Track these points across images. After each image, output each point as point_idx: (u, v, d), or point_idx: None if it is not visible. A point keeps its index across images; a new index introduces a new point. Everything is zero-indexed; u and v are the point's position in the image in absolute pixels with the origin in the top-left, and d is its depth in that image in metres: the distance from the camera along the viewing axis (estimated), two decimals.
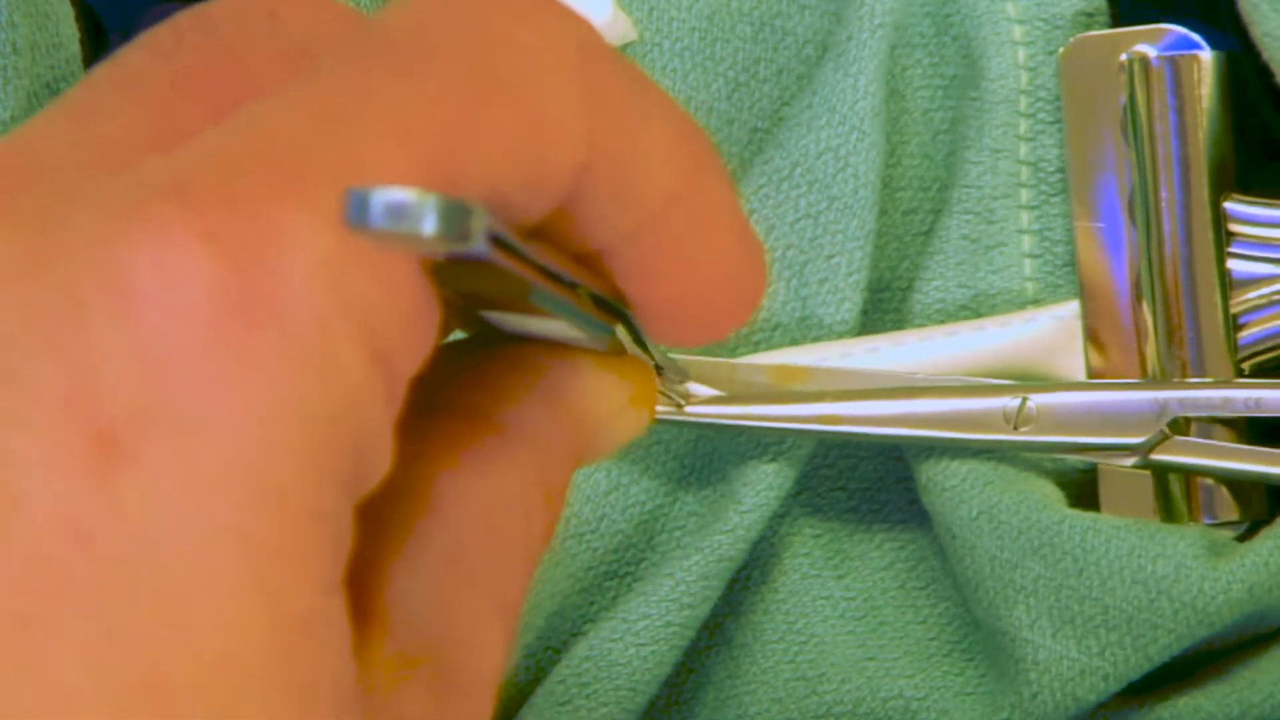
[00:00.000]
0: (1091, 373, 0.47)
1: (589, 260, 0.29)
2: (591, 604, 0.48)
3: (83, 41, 0.46)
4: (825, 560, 0.49)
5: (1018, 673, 0.45)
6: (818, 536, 0.49)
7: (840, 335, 0.47)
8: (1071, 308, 0.47)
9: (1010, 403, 0.46)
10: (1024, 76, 0.47)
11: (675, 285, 0.29)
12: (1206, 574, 0.44)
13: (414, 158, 0.25)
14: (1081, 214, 0.47)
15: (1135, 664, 0.44)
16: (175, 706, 0.24)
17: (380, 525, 0.28)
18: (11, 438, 0.24)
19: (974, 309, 0.47)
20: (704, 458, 0.48)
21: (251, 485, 0.25)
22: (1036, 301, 0.47)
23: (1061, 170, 0.47)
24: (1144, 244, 0.47)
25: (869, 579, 0.49)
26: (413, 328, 0.26)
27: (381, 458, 0.26)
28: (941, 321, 0.47)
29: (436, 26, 0.27)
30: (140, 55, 0.28)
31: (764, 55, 0.49)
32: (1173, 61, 0.46)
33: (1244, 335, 0.46)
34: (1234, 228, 0.46)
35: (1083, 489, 0.48)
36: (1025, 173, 0.48)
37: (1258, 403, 0.45)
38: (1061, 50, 0.47)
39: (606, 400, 0.31)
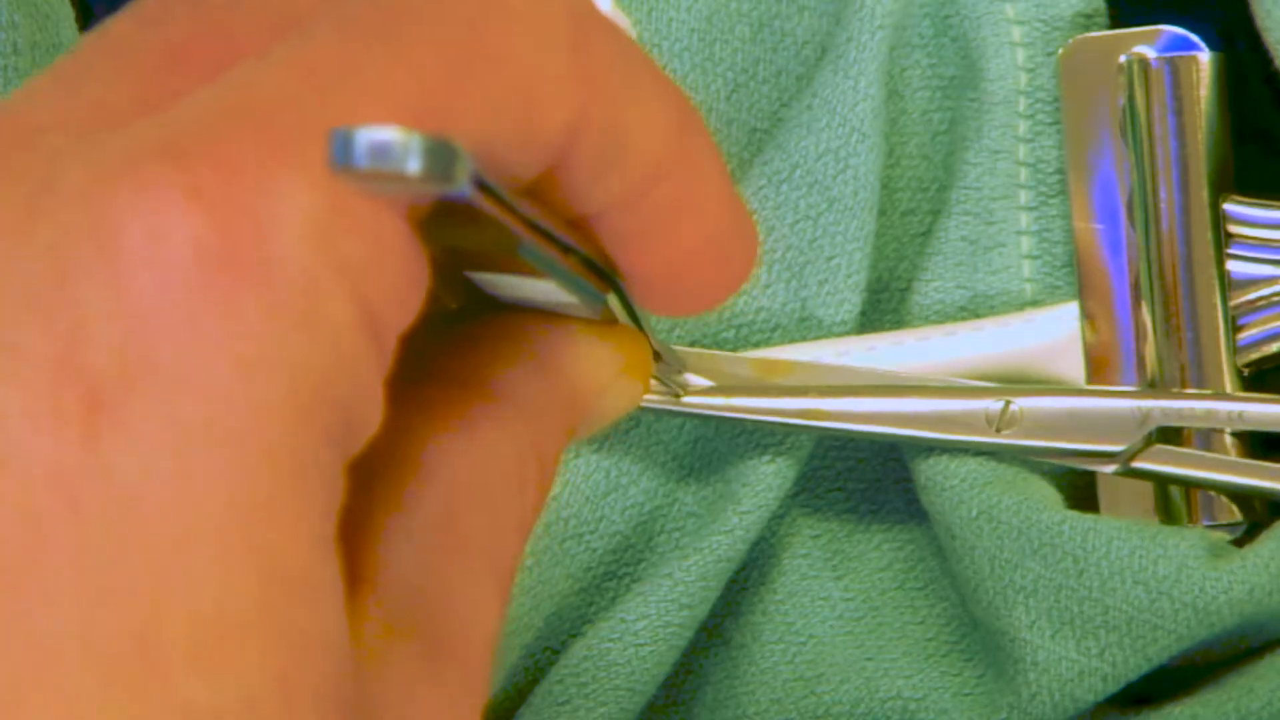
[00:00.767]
0: (1090, 374, 0.47)
1: (581, 227, 0.29)
2: (590, 605, 0.48)
3: None
4: (824, 561, 0.48)
5: (1016, 673, 0.44)
6: (816, 537, 0.48)
7: (839, 336, 0.47)
8: (1070, 309, 0.46)
9: (994, 405, 0.45)
10: (1023, 78, 0.47)
11: (666, 252, 0.29)
12: (1208, 574, 0.43)
13: (401, 116, 0.25)
14: (1081, 215, 0.47)
15: (1135, 665, 0.43)
16: (165, 664, 0.24)
17: (371, 490, 0.28)
18: None
19: (972, 310, 0.47)
20: (703, 459, 0.48)
21: (240, 441, 0.24)
22: (1035, 302, 0.47)
23: (1060, 171, 0.47)
24: (1143, 245, 0.46)
25: (867, 580, 0.48)
26: (401, 285, 0.26)
27: (371, 415, 0.26)
28: (940, 323, 0.47)
29: None
30: (128, 25, 0.28)
31: (763, 56, 0.48)
32: (1172, 63, 0.46)
33: (1243, 336, 0.45)
34: (1233, 229, 0.45)
35: (1081, 492, 0.47)
36: (1024, 174, 0.47)
37: (1240, 416, 0.44)
38: (1061, 51, 0.46)
39: (600, 368, 0.31)
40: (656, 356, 0.39)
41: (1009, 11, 0.47)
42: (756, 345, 0.47)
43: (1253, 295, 0.45)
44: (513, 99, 0.26)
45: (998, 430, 0.45)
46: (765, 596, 0.48)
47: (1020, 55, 0.47)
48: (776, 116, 0.48)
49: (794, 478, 0.47)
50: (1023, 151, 0.47)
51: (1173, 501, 0.46)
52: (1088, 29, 0.47)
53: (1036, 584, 0.44)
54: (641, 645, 0.46)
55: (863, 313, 0.47)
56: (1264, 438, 0.46)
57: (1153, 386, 0.46)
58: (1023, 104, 0.47)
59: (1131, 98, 0.46)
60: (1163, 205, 0.46)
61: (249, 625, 0.24)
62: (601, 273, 0.30)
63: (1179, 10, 0.46)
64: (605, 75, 0.27)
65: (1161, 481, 0.45)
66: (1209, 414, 0.44)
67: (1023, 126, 0.47)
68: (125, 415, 0.24)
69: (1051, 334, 0.46)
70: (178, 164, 0.24)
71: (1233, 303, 0.46)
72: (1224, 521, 0.46)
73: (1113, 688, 0.44)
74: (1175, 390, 0.46)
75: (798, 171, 0.47)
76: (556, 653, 0.47)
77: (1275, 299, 0.45)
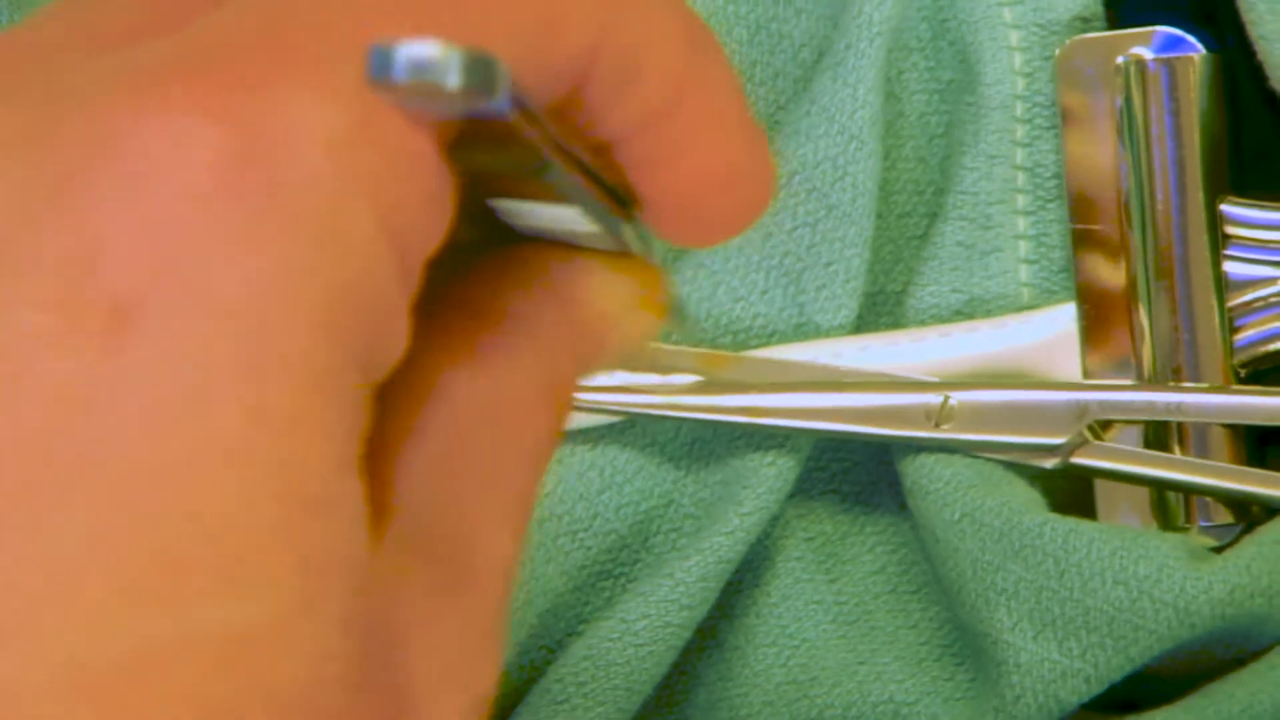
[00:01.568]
0: (1086, 375, 0.46)
1: (602, 153, 0.28)
2: (586, 603, 0.47)
3: None
4: (817, 564, 0.48)
5: (1000, 675, 0.44)
6: (810, 540, 0.48)
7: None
8: (1067, 310, 0.46)
9: (933, 399, 0.45)
10: (1020, 82, 0.46)
11: (685, 176, 0.29)
12: (1189, 574, 0.42)
13: (428, 32, 0.24)
14: (1078, 216, 0.46)
15: (1117, 666, 0.43)
16: (184, 581, 0.23)
17: (386, 418, 0.27)
18: (15, 306, 0.24)
19: (969, 314, 0.46)
20: (700, 459, 0.47)
21: (261, 355, 0.24)
22: (1032, 307, 0.46)
23: (1058, 176, 0.46)
24: (1140, 246, 0.45)
25: (861, 583, 0.48)
26: (426, 206, 0.25)
27: (396, 338, 0.26)
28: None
29: None
30: None
31: (760, 58, 0.48)
32: (1168, 64, 0.45)
33: (1240, 337, 0.45)
34: (1230, 230, 0.45)
35: (1078, 497, 0.46)
36: (1021, 178, 0.47)
37: (1178, 407, 0.44)
38: (1057, 52, 0.46)
39: (614, 299, 0.30)
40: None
41: (1007, 16, 0.46)
42: (754, 349, 0.46)
43: (1250, 296, 0.45)
44: (537, 18, 0.26)
45: (937, 425, 0.45)
46: (759, 599, 0.47)
47: (1018, 59, 0.46)
48: (774, 119, 0.48)
49: (794, 479, 0.46)
50: (1020, 156, 0.47)
51: (1170, 505, 0.46)
52: (1085, 32, 0.46)
53: (1018, 586, 0.43)
54: (641, 645, 0.45)
55: (859, 316, 0.46)
56: (1260, 433, 0.45)
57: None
58: (1020, 108, 0.46)
59: (1128, 99, 0.45)
60: (1159, 206, 0.45)
61: (270, 544, 0.24)
62: (621, 200, 0.29)
63: (1175, 12, 0.46)
64: None
65: (1100, 478, 0.45)
66: (1148, 406, 0.44)
67: (1020, 131, 0.46)
68: (144, 328, 0.23)
69: (1048, 335, 0.46)
70: (198, 80, 0.24)
71: (1230, 304, 0.45)
72: (1219, 523, 0.45)
73: (1096, 689, 0.43)
74: (1113, 383, 0.45)
75: (796, 178, 0.46)
76: (552, 651, 0.47)
77: (1272, 300, 0.45)
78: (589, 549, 0.46)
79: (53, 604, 0.23)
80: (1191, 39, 0.45)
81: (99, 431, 0.23)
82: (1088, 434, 0.44)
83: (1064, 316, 0.46)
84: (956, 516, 0.44)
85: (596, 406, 0.45)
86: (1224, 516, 0.45)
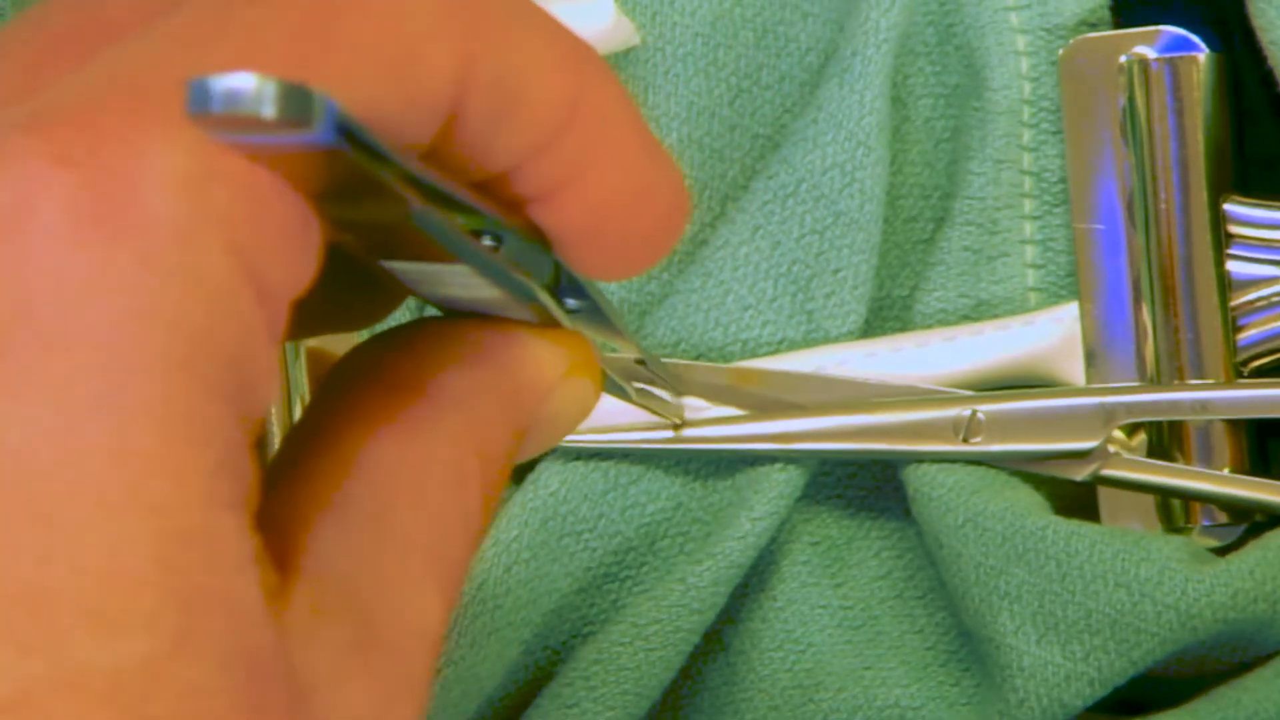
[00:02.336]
0: (1090, 376, 0.45)
1: (504, 196, 0.28)
2: (591, 605, 0.46)
3: None
4: (823, 568, 0.47)
5: (1004, 679, 0.43)
6: (816, 544, 0.47)
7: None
8: (1070, 310, 0.45)
9: (961, 413, 0.44)
10: (1027, 87, 0.46)
11: (587, 201, 0.28)
12: (1190, 577, 0.41)
13: (271, 71, 0.24)
14: (1081, 216, 0.45)
15: (1120, 669, 0.42)
16: (57, 622, 0.23)
17: (305, 489, 0.27)
18: None
19: (976, 319, 0.45)
20: (707, 463, 0.46)
21: (119, 394, 0.24)
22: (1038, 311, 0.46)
23: (1064, 180, 0.46)
24: (1143, 245, 0.45)
25: (866, 588, 0.47)
26: (284, 241, 0.25)
27: (263, 374, 0.25)
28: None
29: None
30: (14, 28, 0.28)
31: (766, 62, 0.47)
32: (1172, 63, 0.44)
33: (1243, 336, 0.44)
34: (1233, 229, 0.44)
35: (1080, 500, 0.46)
36: (1028, 183, 0.46)
37: (1204, 405, 0.43)
38: (1061, 52, 0.45)
39: (542, 368, 0.30)
40: (640, 361, 0.38)
41: (1013, 20, 0.46)
42: (763, 358, 0.46)
43: (1253, 295, 0.44)
44: (390, 51, 0.25)
45: (965, 439, 0.44)
46: (764, 603, 0.47)
47: (1024, 64, 0.46)
48: (780, 122, 0.48)
49: (804, 484, 0.45)
50: (1027, 160, 0.46)
51: (1173, 505, 0.45)
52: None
53: (1021, 589, 0.43)
54: (651, 650, 0.45)
55: (865, 321, 0.46)
56: (1261, 431, 0.45)
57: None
58: (1027, 113, 0.46)
59: (1132, 98, 0.45)
60: (1163, 205, 0.44)
61: (142, 582, 0.24)
62: (529, 240, 0.28)
63: (1179, 11, 0.45)
64: (489, 22, 0.27)
65: (1132, 490, 0.44)
66: (1173, 405, 0.44)
67: (1027, 135, 0.46)
68: (2, 374, 0.24)
69: (1052, 336, 0.45)
70: (43, 134, 0.24)
71: (1233, 303, 0.44)
72: (1222, 523, 0.45)
73: (1100, 692, 0.42)
74: (1137, 385, 0.44)
75: (804, 185, 0.46)
76: (558, 652, 0.46)
77: (1275, 299, 0.44)
78: (593, 550, 0.46)
79: None
80: (1195, 39, 0.45)
81: None
82: (1117, 443, 0.44)
83: (1068, 316, 0.45)
84: (960, 521, 0.44)
85: (610, 445, 0.45)
86: (1226, 516, 0.44)
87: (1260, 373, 0.44)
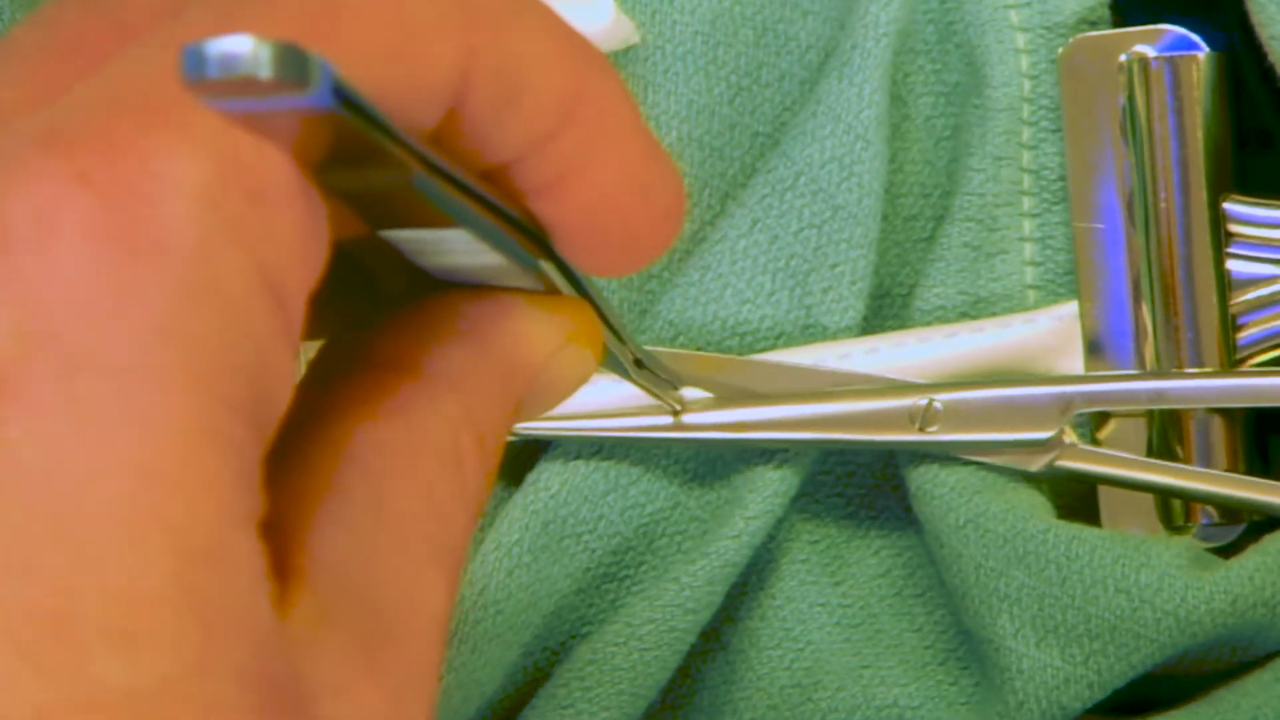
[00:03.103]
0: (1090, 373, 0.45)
1: (505, 188, 0.28)
2: (590, 606, 0.46)
3: None
4: (822, 567, 0.47)
5: (1003, 681, 0.42)
6: (815, 543, 0.47)
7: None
8: (1070, 308, 0.44)
9: (916, 402, 0.44)
10: (1027, 84, 0.45)
11: (586, 196, 0.28)
12: (1190, 583, 0.41)
13: None
14: (1081, 215, 0.45)
15: (1119, 672, 0.41)
16: (80, 643, 0.23)
17: (302, 482, 0.27)
18: None
19: (974, 316, 0.45)
20: (705, 462, 0.45)
21: (141, 413, 0.24)
22: (1037, 309, 0.46)
23: (1063, 178, 0.45)
24: (1143, 244, 0.44)
25: (865, 586, 0.47)
26: (298, 238, 0.25)
27: (281, 383, 0.25)
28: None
29: None
30: (26, 30, 0.28)
31: (766, 60, 0.47)
32: (1172, 62, 0.44)
33: (1243, 335, 0.43)
34: (1233, 228, 0.43)
35: (1080, 501, 0.45)
36: (1027, 180, 0.46)
37: (1160, 394, 0.43)
38: (1060, 51, 0.45)
39: (539, 339, 0.29)
40: (638, 364, 0.37)
41: (1013, 18, 0.45)
42: (761, 352, 0.46)
43: (1252, 295, 0.44)
44: (394, 40, 0.25)
45: (921, 428, 0.44)
46: (763, 602, 0.46)
47: (1024, 62, 0.46)
48: (780, 121, 0.47)
49: (799, 482, 0.45)
50: (1026, 158, 0.46)
51: (1173, 505, 0.44)
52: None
53: (1021, 592, 0.42)
54: (646, 650, 0.44)
55: (865, 318, 0.45)
56: (1259, 425, 0.45)
57: None
58: (1026, 110, 0.45)
59: (1131, 97, 0.44)
60: (1162, 204, 0.44)
61: (163, 602, 0.23)
62: (528, 233, 0.28)
63: (1179, 10, 0.45)
64: (492, 15, 0.26)
65: (1085, 481, 0.44)
66: (1129, 395, 0.43)
67: (1026, 133, 0.46)
68: (25, 394, 0.23)
69: (1052, 334, 0.45)
70: (61, 150, 0.24)
71: (1232, 302, 0.43)
72: (1223, 521, 0.44)
73: (1099, 695, 0.42)
74: (1095, 374, 0.44)
75: (802, 179, 0.45)
76: (556, 653, 0.46)
77: (1275, 298, 0.43)
78: (593, 551, 0.46)
79: None
80: (1195, 38, 0.44)
81: None
82: (1074, 436, 0.44)
83: (1068, 314, 0.45)
84: (961, 522, 0.43)
85: (570, 432, 0.45)
86: (1228, 516, 0.44)
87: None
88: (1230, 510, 0.44)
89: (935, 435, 0.43)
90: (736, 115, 0.47)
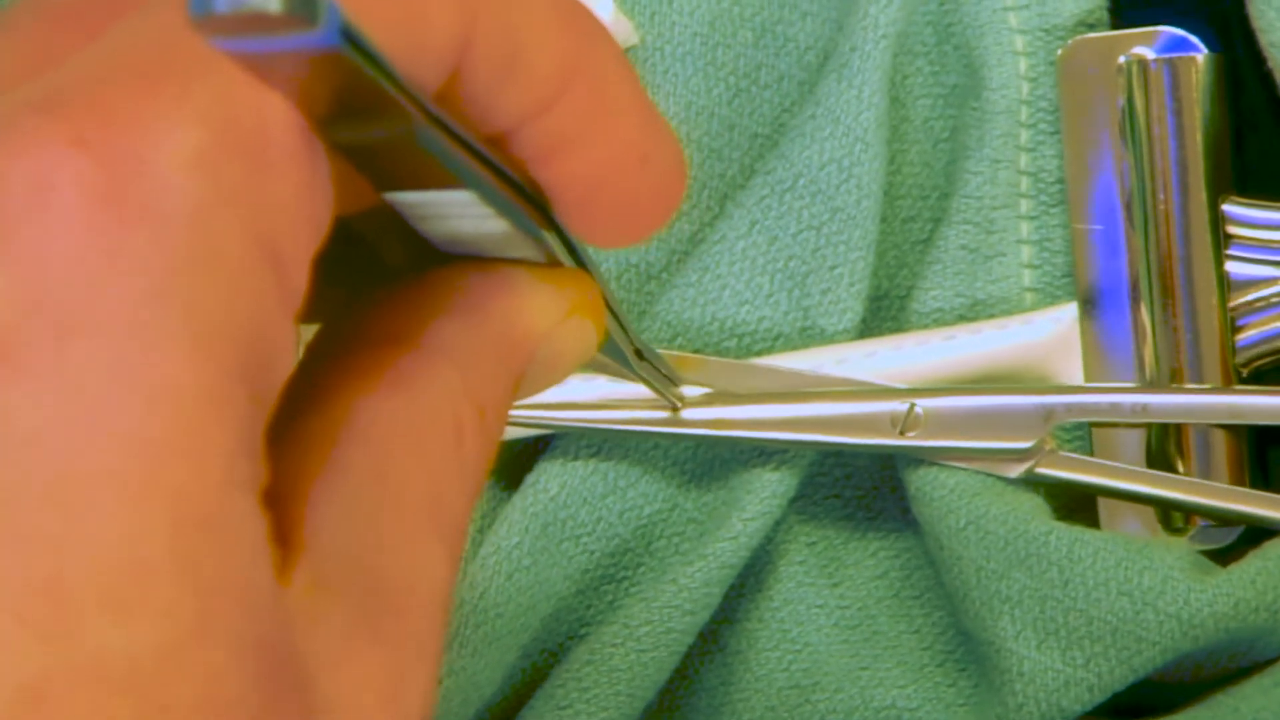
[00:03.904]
0: (1089, 376, 0.45)
1: (506, 156, 0.27)
2: (588, 607, 0.45)
3: None
4: (820, 568, 0.46)
5: (1003, 684, 0.42)
6: (813, 544, 0.47)
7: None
8: (1069, 311, 0.44)
9: (898, 407, 0.43)
10: (1025, 87, 0.45)
11: (585, 165, 0.27)
12: (1193, 587, 0.40)
13: None
14: (1080, 217, 0.44)
15: (1120, 676, 0.41)
16: (76, 609, 0.23)
17: (302, 456, 0.26)
18: None
19: (972, 319, 0.44)
20: (704, 464, 0.45)
21: (140, 382, 0.23)
22: (1035, 311, 0.45)
23: (1061, 181, 0.44)
24: (1142, 246, 0.43)
25: (863, 587, 0.46)
26: (300, 210, 0.25)
27: (280, 350, 0.25)
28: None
29: None
30: (21, 3, 0.27)
31: (765, 61, 0.47)
32: (1171, 64, 0.43)
33: (1242, 337, 0.43)
34: (1232, 230, 0.43)
35: (1079, 501, 0.45)
36: (1025, 183, 0.45)
37: (1144, 408, 0.43)
38: (1060, 52, 0.44)
39: (540, 312, 0.29)
40: (639, 354, 0.37)
41: (1012, 20, 0.45)
42: (759, 354, 0.45)
43: (1252, 296, 0.43)
44: (395, 3, 0.25)
45: (901, 432, 0.44)
46: (761, 603, 0.46)
47: (1023, 64, 0.45)
48: (778, 121, 0.47)
49: (797, 484, 0.44)
50: (1024, 161, 0.45)
51: None
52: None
53: (1022, 594, 0.42)
54: (644, 651, 0.44)
55: (862, 320, 0.45)
56: (1261, 438, 0.44)
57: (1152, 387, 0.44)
58: (1025, 113, 0.45)
59: (1130, 99, 0.44)
60: (1161, 206, 0.44)
61: (160, 568, 0.23)
62: (531, 200, 0.28)
63: (1178, 12, 0.45)
64: None
65: (1065, 488, 0.43)
66: (1112, 407, 0.43)
67: (1024, 135, 0.45)
68: (20, 359, 0.23)
69: (1050, 336, 0.45)
70: (58, 115, 0.24)
71: (1232, 303, 0.43)
72: (1221, 524, 0.44)
73: (1099, 698, 0.41)
74: (1078, 386, 0.43)
75: (801, 180, 0.45)
76: (554, 655, 0.45)
77: (1274, 300, 0.43)
78: (592, 553, 0.45)
79: None
80: (1194, 39, 0.44)
81: None
82: (1053, 442, 0.43)
83: (1067, 317, 0.44)
84: (961, 524, 0.43)
85: (568, 422, 0.44)
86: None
87: (1259, 373, 0.44)
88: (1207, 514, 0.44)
89: (916, 440, 0.43)
90: (735, 116, 0.47)
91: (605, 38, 0.27)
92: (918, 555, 0.46)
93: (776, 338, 0.45)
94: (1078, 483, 0.43)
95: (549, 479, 0.44)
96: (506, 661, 0.44)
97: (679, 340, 0.45)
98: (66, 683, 0.23)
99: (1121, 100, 0.44)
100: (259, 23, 0.21)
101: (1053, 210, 0.45)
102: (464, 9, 0.26)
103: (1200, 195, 0.43)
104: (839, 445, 0.43)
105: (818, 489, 0.46)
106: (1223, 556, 0.43)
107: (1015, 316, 0.44)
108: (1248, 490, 0.42)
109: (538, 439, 0.46)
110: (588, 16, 0.27)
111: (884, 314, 0.46)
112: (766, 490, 0.44)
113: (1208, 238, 0.43)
